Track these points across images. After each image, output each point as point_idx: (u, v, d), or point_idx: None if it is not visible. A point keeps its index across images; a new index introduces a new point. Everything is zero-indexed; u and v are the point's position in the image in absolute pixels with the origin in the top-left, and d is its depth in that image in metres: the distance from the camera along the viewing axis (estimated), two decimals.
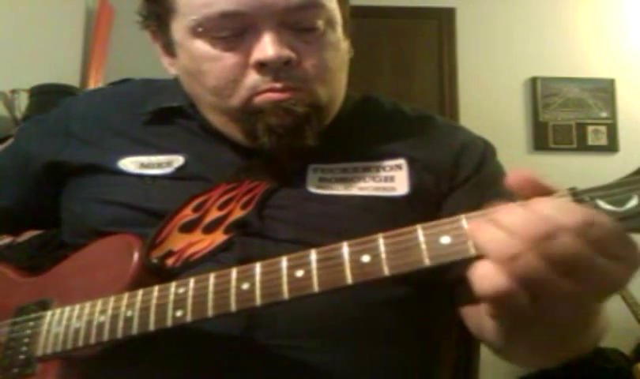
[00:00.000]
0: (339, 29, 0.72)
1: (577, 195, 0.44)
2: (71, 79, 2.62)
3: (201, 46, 0.68)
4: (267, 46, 0.65)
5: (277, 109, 0.67)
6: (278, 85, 0.67)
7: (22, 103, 2.44)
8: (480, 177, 0.75)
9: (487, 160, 0.78)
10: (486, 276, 0.43)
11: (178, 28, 0.70)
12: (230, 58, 0.67)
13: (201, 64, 0.68)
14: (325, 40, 0.70)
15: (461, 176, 0.75)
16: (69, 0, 2.87)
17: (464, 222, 0.46)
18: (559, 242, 0.41)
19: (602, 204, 0.43)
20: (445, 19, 3.44)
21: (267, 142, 0.68)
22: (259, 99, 0.67)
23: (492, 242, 0.43)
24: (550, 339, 0.53)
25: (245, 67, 0.67)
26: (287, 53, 0.66)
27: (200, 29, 0.67)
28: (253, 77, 0.67)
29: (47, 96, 2.30)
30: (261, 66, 0.66)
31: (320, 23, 0.68)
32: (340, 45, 0.73)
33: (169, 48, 0.74)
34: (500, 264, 0.42)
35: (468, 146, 0.78)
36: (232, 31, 0.66)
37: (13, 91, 2.46)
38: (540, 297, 0.43)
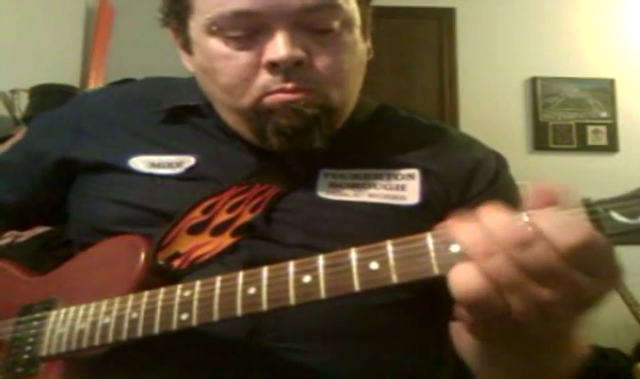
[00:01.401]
0: (356, 31, 0.71)
1: (590, 206, 0.44)
2: (71, 79, 2.63)
3: (215, 44, 0.67)
4: (279, 46, 0.64)
5: (287, 110, 0.66)
6: (289, 86, 0.66)
7: (22, 103, 2.44)
8: (492, 190, 0.75)
9: (499, 175, 0.77)
10: (462, 277, 0.44)
11: (195, 26, 0.70)
12: (242, 58, 0.66)
13: (215, 62, 0.68)
14: (341, 42, 0.68)
15: (473, 191, 0.75)
16: (69, 0, 2.87)
17: None
18: (532, 252, 0.42)
19: (615, 215, 0.43)
20: (445, 19, 3.45)
21: (276, 143, 0.68)
22: (269, 100, 0.67)
23: (469, 238, 0.45)
24: (524, 367, 0.53)
25: (257, 67, 0.66)
26: (299, 53, 0.65)
27: (214, 28, 0.66)
28: (264, 77, 0.66)
29: (47, 96, 2.30)
30: (273, 66, 0.65)
31: (336, 24, 0.67)
32: (357, 47, 0.71)
33: (187, 46, 0.74)
34: (474, 258, 0.44)
35: (482, 162, 0.77)
36: (245, 31, 0.66)
37: (13, 91, 2.46)
38: (515, 304, 0.44)
